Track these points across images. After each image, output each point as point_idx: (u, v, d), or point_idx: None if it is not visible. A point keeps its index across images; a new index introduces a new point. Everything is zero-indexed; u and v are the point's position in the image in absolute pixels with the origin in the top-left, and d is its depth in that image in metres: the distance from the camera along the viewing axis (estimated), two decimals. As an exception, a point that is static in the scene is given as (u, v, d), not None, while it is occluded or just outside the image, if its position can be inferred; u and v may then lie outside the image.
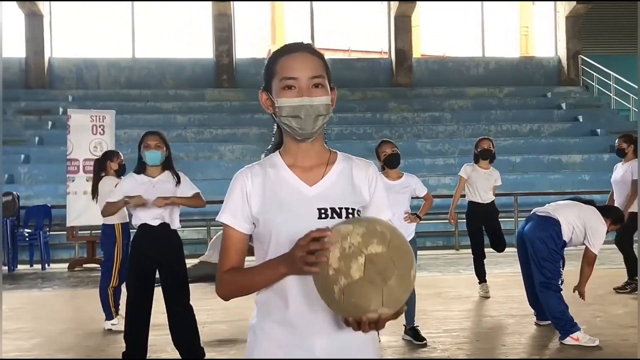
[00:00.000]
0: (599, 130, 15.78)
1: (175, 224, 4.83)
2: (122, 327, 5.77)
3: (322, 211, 1.73)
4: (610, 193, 7.73)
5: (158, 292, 4.76)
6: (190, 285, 4.88)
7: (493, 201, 7.32)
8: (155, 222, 4.73)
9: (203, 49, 17.57)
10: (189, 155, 14.06)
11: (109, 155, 6.42)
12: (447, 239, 11.98)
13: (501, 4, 19.43)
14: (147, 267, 4.72)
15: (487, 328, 6.03)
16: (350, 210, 1.75)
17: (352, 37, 19.91)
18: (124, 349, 4.81)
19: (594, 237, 5.21)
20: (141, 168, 4.81)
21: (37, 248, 10.48)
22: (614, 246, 7.56)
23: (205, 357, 4.82)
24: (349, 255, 1.49)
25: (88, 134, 10.04)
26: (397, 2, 17.43)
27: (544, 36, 19.58)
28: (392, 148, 5.45)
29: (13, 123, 14.74)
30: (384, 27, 18.31)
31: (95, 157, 7.39)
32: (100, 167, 6.33)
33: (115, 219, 6.11)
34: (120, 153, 6.47)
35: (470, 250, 7.48)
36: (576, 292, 5.36)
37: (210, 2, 17.11)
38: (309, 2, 18.17)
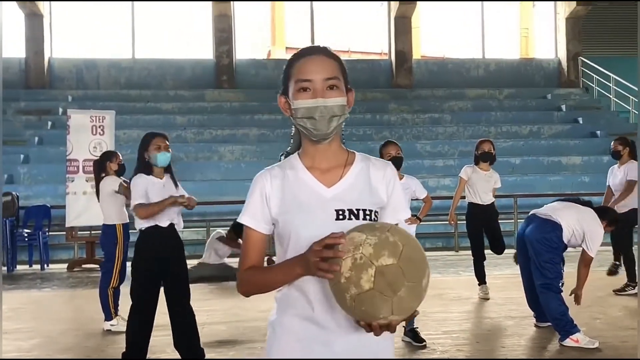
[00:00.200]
0: (598, 132, 15.79)
1: (181, 225, 4.84)
2: (121, 328, 5.78)
3: (340, 213, 1.76)
4: (605, 195, 7.74)
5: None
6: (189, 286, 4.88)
7: (493, 203, 7.32)
8: (166, 223, 4.72)
9: (203, 50, 17.57)
10: (189, 155, 14.06)
11: (107, 156, 6.37)
12: (447, 241, 11.98)
13: (501, 6, 19.45)
14: (156, 268, 4.68)
15: (486, 330, 6.03)
16: (367, 212, 1.78)
17: (352, 38, 19.92)
18: (123, 350, 4.80)
19: (592, 240, 5.24)
20: (149, 169, 4.75)
21: (37, 248, 10.47)
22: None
23: (205, 358, 4.82)
24: (360, 266, 1.52)
25: (88, 134, 10.03)
26: (397, 3, 17.44)
27: (544, 38, 19.59)
28: (397, 150, 5.48)
29: (13, 123, 14.74)
30: (384, 28, 18.31)
31: (95, 158, 7.37)
32: (100, 168, 6.29)
33: (116, 219, 6.11)
34: (118, 153, 6.44)
35: (469, 252, 7.48)
36: (572, 295, 5.37)
37: (211, 3, 17.11)
38: (309, 3, 18.17)
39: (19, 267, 10.36)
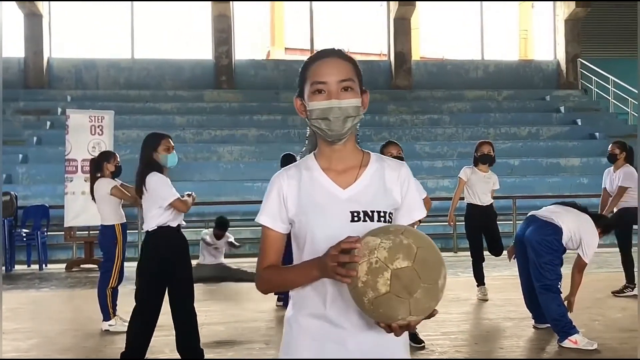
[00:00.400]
0: (597, 134, 15.79)
1: (183, 225, 4.84)
2: (119, 328, 5.79)
3: (355, 214, 1.80)
4: (602, 198, 7.77)
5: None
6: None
7: (492, 204, 7.32)
8: (174, 224, 4.72)
9: (202, 50, 17.56)
10: (188, 156, 14.04)
11: (105, 156, 6.29)
12: (446, 242, 11.97)
13: (500, 7, 19.46)
14: (164, 269, 4.66)
15: (485, 331, 6.03)
16: (382, 214, 1.81)
17: (352, 39, 19.92)
18: (122, 350, 4.80)
19: (588, 247, 5.29)
20: (160, 169, 4.73)
21: (35, 248, 10.47)
22: (612, 250, 7.56)
23: (204, 359, 4.81)
24: (376, 270, 1.56)
25: (87, 134, 10.02)
26: (397, 4, 17.44)
27: (543, 39, 19.60)
28: (398, 150, 5.48)
29: (12, 123, 14.72)
30: (383, 29, 18.31)
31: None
32: (97, 167, 6.20)
33: (114, 219, 6.09)
34: (117, 154, 6.38)
35: (468, 253, 7.48)
36: (565, 302, 5.38)
37: (210, 3, 17.11)
38: (308, 3, 18.17)
39: (17, 267, 10.35)
